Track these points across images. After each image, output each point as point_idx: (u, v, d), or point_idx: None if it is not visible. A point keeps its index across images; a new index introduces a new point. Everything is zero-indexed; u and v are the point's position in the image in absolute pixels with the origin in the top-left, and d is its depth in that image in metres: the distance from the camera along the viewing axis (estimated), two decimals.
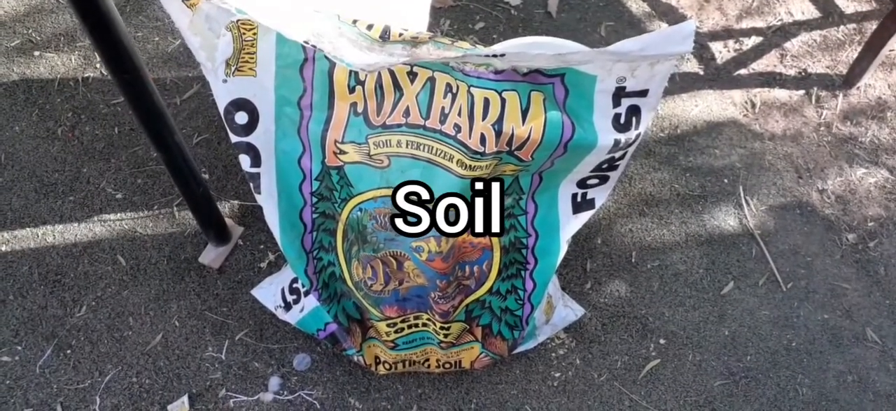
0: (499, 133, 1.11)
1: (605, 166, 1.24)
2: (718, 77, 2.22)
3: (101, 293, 1.67)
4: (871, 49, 2.16)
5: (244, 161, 1.25)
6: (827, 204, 1.97)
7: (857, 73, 2.22)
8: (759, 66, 2.28)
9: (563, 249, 1.36)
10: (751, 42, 2.33)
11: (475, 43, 1.13)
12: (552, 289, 1.66)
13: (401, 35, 1.15)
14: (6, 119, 1.90)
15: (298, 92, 1.19)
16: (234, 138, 1.23)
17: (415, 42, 1.11)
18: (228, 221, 1.73)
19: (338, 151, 1.20)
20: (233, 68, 1.18)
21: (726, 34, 2.34)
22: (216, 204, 1.63)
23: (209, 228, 1.65)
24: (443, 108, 1.13)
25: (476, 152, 1.12)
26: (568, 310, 1.67)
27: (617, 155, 1.21)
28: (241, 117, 1.21)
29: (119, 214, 1.77)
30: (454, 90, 1.12)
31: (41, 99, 1.94)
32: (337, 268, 1.37)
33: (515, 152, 1.14)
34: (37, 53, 2.02)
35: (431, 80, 1.14)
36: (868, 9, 2.43)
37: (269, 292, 1.59)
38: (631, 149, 1.22)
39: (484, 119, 1.10)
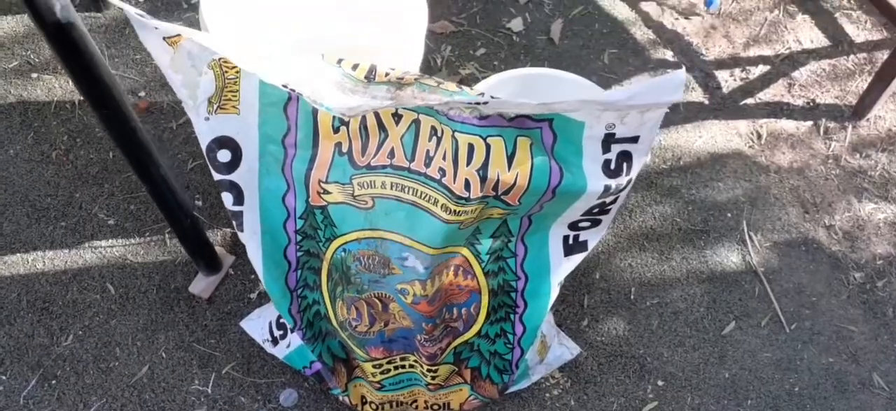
0: (484, 179, 1.07)
1: (596, 210, 1.20)
2: (724, 107, 2.17)
3: (89, 322, 1.65)
4: (882, 80, 2.11)
5: (227, 199, 1.22)
6: (834, 240, 1.92)
7: (867, 103, 2.17)
8: (766, 95, 2.23)
9: (555, 292, 1.32)
10: (758, 71, 2.28)
11: (461, 85, 1.10)
12: (546, 327, 1.62)
13: (387, 75, 1.13)
14: (1, 142, 1.90)
15: (282, 130, 1.16)
16: (216, 176, 1.21)
17: (400, 83, 1.09)
18: (219, 250, 1.70)
19: (321, 191, 1.17)
20: (215, 106, 1.15)
21: (733, 62, 2.30)
22: (206, 233, 1.61)
23: (199, 258, 1.63)
24: (427, 151, 1.10)
25: (460, 197, 1.09)
26: (563, 349, 1.63)
27: (608, 200, 1.18)
28: (224, 155, 1.19)
29: (110, 241, 1.75)
30: (439, 134, 1.09)
31: (37, 122, 1.93)
32: (322, 307, 1.34)
33: (502, 197, 1.11)
34: (35, 75, 2.01)
35: (416, 122, 1.11)
36: (879, 38, 2.38)
37: (257, 325, 1.56)
38: (623, 194, 1.18)
39: (468, 165, 1.07)
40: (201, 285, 1.66)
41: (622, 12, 2.37)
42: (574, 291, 1.77)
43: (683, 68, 1.01)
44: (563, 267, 1.30)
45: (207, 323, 1.65)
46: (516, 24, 2.30)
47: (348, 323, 1.32)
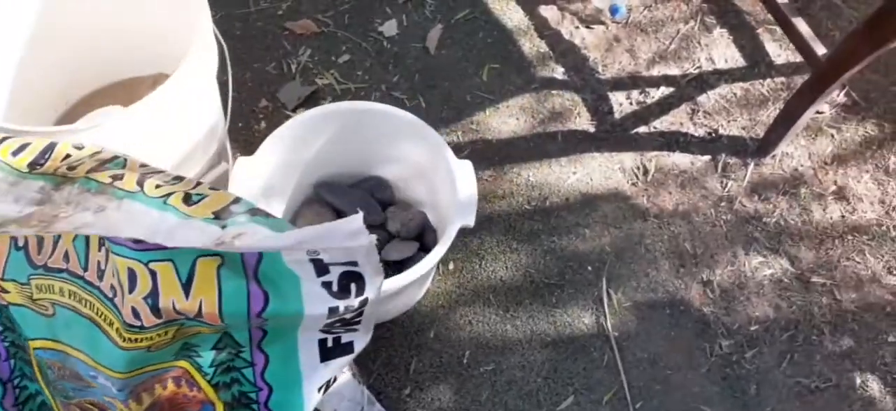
0: (155, 308, 0.88)
1: (338, 325, 1.01)
2: (611, 135, 1.96)
3: None
4: (787, 117, 1.89)
5: None
6: (708, 300, 1.73)
7: (773, 140, 1.95)
8: (664, 123, 2.01)
9: (313, 400, 1.14)
10: (659, 93, 2.06)
11: (145, 180, 0.89)
12: (349, 405, 1.46)
13: (66, 157, 0.92)
14: None
15: None
16: None
17: (63, 179, 0.88)
18: None
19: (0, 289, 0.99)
20: None
21: (631, 83, 2.07)
22: None
23: None
24: (99, 263, 0.91)
25: (132, 325, 0.90)
26: None
27: (348, 316, 0.99)
28: None
29: None
30: (105, 246, 0.89)
31: None
32: (46, 398, 1.17)
33: (197, 319, 0.92)
34: None
35: None
36: (801, 61, 2.14)
37: None
38: (368, 308, 1.00)
39: (132, 292, 0.87)
40: None
41: (514, 19, 2.13)
42: (402, 353, 1.60)
43: (361, 214, 0.81)
44: (320, 373, 1.11)
45: None
46: (390, 28, 2.06)
47: None
